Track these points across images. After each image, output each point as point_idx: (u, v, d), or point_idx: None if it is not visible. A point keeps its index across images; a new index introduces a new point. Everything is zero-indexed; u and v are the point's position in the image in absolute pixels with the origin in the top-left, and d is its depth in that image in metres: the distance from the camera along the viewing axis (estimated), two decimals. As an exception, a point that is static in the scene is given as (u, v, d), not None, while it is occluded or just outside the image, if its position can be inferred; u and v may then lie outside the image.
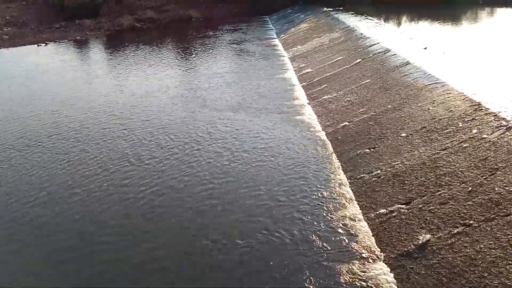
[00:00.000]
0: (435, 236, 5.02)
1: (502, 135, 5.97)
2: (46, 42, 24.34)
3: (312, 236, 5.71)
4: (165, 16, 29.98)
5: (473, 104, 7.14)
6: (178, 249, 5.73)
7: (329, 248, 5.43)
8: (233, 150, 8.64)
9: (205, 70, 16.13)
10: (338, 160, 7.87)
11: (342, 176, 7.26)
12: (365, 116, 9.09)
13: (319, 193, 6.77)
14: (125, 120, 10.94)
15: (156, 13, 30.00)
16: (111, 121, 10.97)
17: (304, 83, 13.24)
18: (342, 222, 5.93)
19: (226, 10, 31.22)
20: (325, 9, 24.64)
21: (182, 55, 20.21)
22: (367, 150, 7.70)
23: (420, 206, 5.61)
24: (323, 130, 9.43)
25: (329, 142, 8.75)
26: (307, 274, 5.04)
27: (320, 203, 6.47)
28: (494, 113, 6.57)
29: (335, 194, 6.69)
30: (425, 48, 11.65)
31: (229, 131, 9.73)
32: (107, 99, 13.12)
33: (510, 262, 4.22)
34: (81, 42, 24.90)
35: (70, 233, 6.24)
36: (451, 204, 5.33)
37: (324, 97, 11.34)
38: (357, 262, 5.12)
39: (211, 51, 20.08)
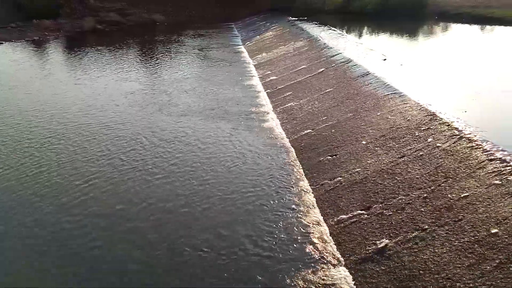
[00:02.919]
0: (393, 241, 5.19)
1: (454, 144, 6.29)
2: (1, 42, 23.17)
3: (274, 242, 5.74)
4: (129, 19, 29.40)
5: (429, 114, 7.49)
6: (138, 258, 5.58)
7: (291, 254, 5.48)
8: (194, 157, 8.54)
9: (169, 75, 15.93)
10: (301, 167, 7.98)
11: (305, 183, 7.36)
12: (328, 124, 9.29)
13: (282, 200, 6.82)
14: (77, 124, 10.47)
15: (119, 16, 29.35)
16: (60, 124, 10.47)
17: (269, 90, 13.38)
18: (304, 229, 6.01)
19: (191, 16, 31.07)
20: (290, 18, 25.11)
21: (145, 59, 19.86)
22: (329, 157, 7.86)
23: (379, 212, 5.79)
24: (287, 137, 9.54)
25: (292, 149, 8.86)
26: (267, 281, 5.05)
27: (283, 210, 6.52)
28: (448, 123, 6.92)
29: (298, 201, 6.77)
30: (385, 60, 12.12)
31: (191, 137, 9.62)
32: (60, 101, 12.56)
33: (462, 265, 4.43)
34: (39, 43, 23.89)
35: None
36: (408, 210, 5.54)
37: (288, 105, 11.50)
38: (319, 267, 5.20)
39: (175, 56, 19.88)
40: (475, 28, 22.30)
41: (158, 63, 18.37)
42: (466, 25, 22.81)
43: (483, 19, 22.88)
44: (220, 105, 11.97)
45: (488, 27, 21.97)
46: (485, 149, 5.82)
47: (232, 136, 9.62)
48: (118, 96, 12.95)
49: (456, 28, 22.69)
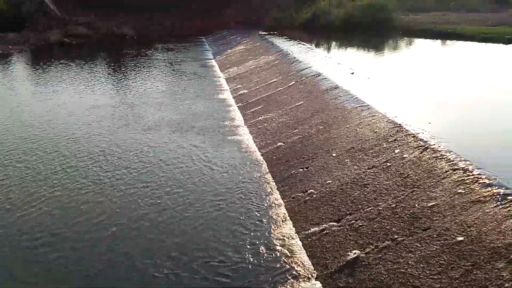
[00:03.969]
0: (364, 252, 5.24)
1: (420, 155, 6.48)
2: (-40, 55, 22.22)
3: (247, 257, 5.68)
4: (97, 32, 28.94)
5: (395, 126, 7.70)
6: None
7: (262, 269, 5.43)
8: (161, 172, 8.37)
9: (137, 88, 15.72)
10: (273, 180, 7.99)
11: (277, 196, 7.37)
12: (299, 136, 9.39)
13: (254, 214, 6.79)
14: (33, 140, 10.09)
15: (87, 29, 28.85)
16: (15, 140, 10.09)
17: (240, 104, 13.42)
18: (277, 242, 5.98)
19: (161, 30, 30.93)
20: (260, 32, 25.45)
21: (113, 73, 19.55)
22: (301, 169, 7.92)
23: (350, 223, 5.85)
24: (258, 150, 9.56)
25: (264, 162, 8.88)
26: (243, 296, 4.98)
27: (255, 224, 6.48)
28: (413, 134, 7.14)
29: (270, 214, 6.76)
30: (352, 73, 12.44)
31: (158, 152, 9.46)
32: (18, 116, 12.12)
33: (430, 273, 4.52)
34: (1, 56, 23.09)
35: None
36: (378, 220, 5.63)
37: (259, 118, 11.56)
38: (292, 280, 5.17)
39: (144, 69, 19.67)
40: (437, 43, 23.32)
41: (127, 77, 18.11)
42: (429, 40, 23.81)
43: (444, 34, 23.97)
44: (191, 119, 11.89)
45: (449, 41, 23.03)
46: (449, 159, 6.02)
47: (202, 150, 9.54)
48: (82, 111, 12.63)
49: (420, 43, 23.66)
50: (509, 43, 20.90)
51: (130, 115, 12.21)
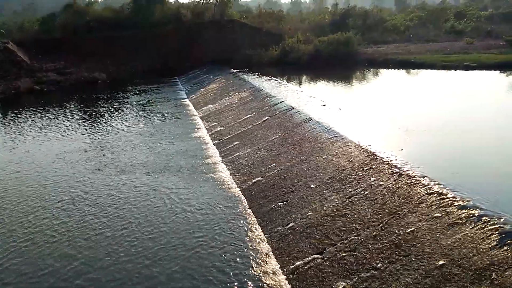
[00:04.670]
0: (349, 283, 5.20)
1: (396, 181, 6.62)
2: None
3: (233, 298, 5.52)
4: (69, 78, 28.78)
5: (369, 154, 7.88)
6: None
7: (250, 309, 5.28)
8: (136, 218, 8.13)
9: (114, 132, 15.56)
10: (254, 216, 7.93)
11: (259, 231, 7.29)
12: (277, 170, 9.44)
13: (236, 251, 6.67)
14: (2, 192, 9.80)
15: (58, 75, 28.67)
16: None
17: (216, 141, 13.46)
18: (261, 279, 5.86)
19: (133, 72, 31.10)
20: (232, 70, 25.99)
21: (85, 118, 19.35)
22: (281, 203, 7.91)
23: (333, 254, 5.83)
24: (237, 187, 9.52)
25: (244, 198, 8.83)
26: None
27: (238, 261, 6.36)
28: (387, 161, 7.31)
29: (253, 251, 6.66)
30: (324, 105, 12.78)
31: (133, 196, 9.27)
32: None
33: (416, 300, 4.52)
34: (-32, 107, 22.53)
35: None
36: (360, 250, 5.63)
37: (236, 154, 11.59)
38: (279, 320, 5.04)
39: (119, 113, 19.57)
40: (402, 72, 24.41)
41: (99, 121, 17.95)
42: (394, 70, 24.91)
43: (407, 64, 25.17)
44: (167, 159, 11.79)
45: (412, 70, 24.15)
46: (424, 184, 6.17)
47: (178, 191, 9.41)
48: (51, 158, 12.32)
49: (385, 73, 24.70)
50: (467, 70, 22.14)
51: (102, 159, 12.00)
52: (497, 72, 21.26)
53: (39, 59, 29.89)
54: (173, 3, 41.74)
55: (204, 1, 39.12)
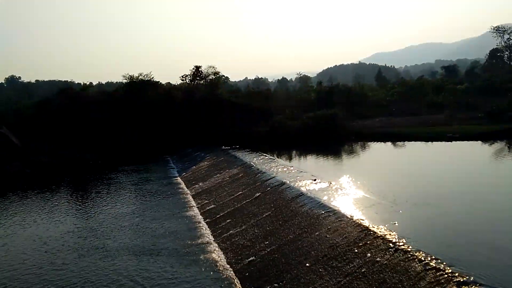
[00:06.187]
0: None
1: (392, 257, 6.50)
2: None
3: None
4: (60, 159, 28.86)
5: (363, 229, 7.81)
6: None
7: None
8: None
9: (102, 214, 15.28)
10: (248, 300, 7.57)
11: (254, 317, 6.91)
12: (270, 248, 9.22)
13: None
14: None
15: (50, 157, 28.78)
16: None
17: (209, 220, 13.25)
18: None
19: (125, 151, 31.40)
20: (223, 147, 26.48)
21: (76, 199, 19.09)
22: (276, 284, 7.62)
23: None
24: (230, 267, 9.20)
25: (237, 280, 8.49)
26: None
27: None
28: (381, 236, 7.24)
29: None
30: (315, 180, 12.90)
31: (129, 278, 8.89)
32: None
33: None
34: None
35: None
36: (362, 334, 5.34)
37: (229, 233, 11.36)
38: None
39: (109, 193, 19.38)
40: (388, 144, 25.11)
41: (89, 203, 17.69)
42: (381, 143, 25.64)
43: (393, 136, 26.02)
44: (157, 241, 11.46)
45: (399, 142, 24.88)
46: (420, 259, 6.07)
47: (170, 275, 9.04)
48: (35, 243, 11.91)
49: (373, 146, 25.37)
50: (451, 140, 22.93)
51: (87, 243, 11.62)
52: (480, 142, 22.03)
53: (33, 141, 30.21)
54: (165, 84, 43.62)
55: (195, 82, 41.04)
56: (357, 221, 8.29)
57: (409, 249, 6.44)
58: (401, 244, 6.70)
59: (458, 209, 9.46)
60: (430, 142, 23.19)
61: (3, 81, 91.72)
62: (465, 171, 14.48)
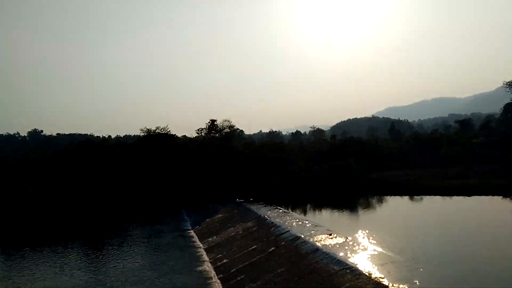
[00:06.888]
0: None
1: (414, 318, 6.16)
2: None
3: None
4: (75, 210, 29.04)
5: None
6: None
7: None
8: None
9: (113, 268, 15.05)
10: None
11: None
12: (285, 307, 8.85)
13: None
14: None
15: (64, 206, 29.00)
16: None
17: (221, 275, 12.89)
18: None
19: (139, 203, 31.45)
20: (237, 199, 26.34)
21: (90, 252, 18.92)
22: None
23: None
24: (243, 327, 8.80)
25: None
26: None
27: None
28: (402, 295, 6.91)
29: None
30: (331, 234, 12.61)
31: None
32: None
33: None
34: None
35: None
36: None
37: (242, 289, 10.99)
38: None
39: (120, 247, 19.18)
40: (405, 198, 24.60)
41: (100, 257, 17.48)
42: (397, 197, 25.14)
43: (409, 189, 25.53)
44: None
45: (416, 196, 24.34)
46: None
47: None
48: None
49: (389, 200, 24.86)
50: (469, 195, 22.36)
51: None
52: (500, 197, 21.42)
53: (48, 190, 30.70)
54: (181, 137, 44.50)
55: (210, 135, 41.77)
56: (375, 279, 7.97)
57: (432, 311, 6.10)
58: (423, 305, 6.37)
59: (481, 270, 9.04)
60: (449, 197, 22.64)
61: (25, 135, 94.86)
62: (487, 228, 13.98)
